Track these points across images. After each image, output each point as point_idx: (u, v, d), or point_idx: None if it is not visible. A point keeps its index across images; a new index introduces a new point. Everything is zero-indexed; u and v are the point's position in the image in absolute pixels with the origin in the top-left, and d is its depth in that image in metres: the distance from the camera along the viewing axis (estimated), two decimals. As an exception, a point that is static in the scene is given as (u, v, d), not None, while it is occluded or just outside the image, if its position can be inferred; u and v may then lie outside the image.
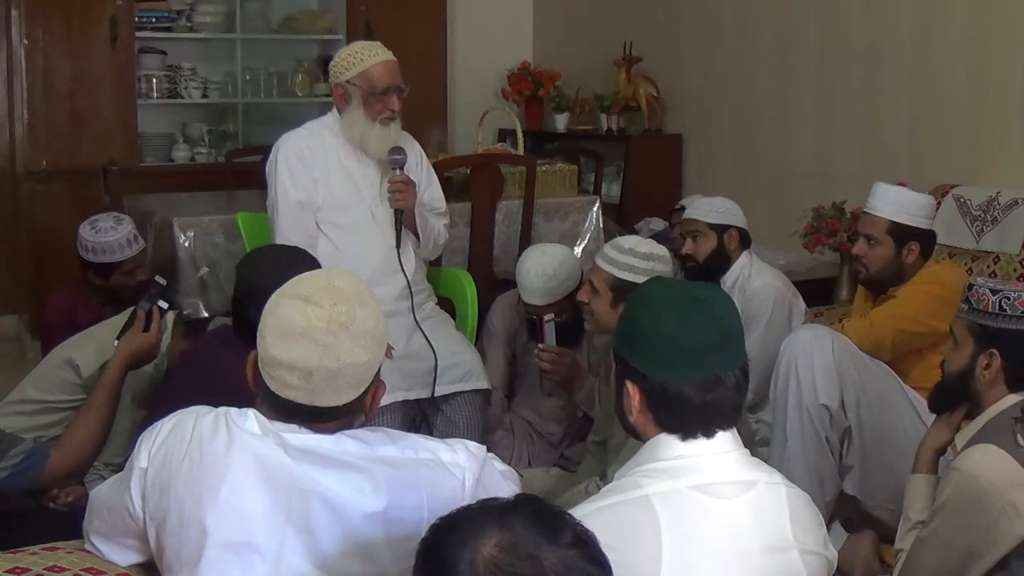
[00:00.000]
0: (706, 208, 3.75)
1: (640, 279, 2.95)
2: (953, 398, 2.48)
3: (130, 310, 2.80)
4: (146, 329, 2.70)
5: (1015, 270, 4.02)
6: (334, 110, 3.55)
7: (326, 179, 3.49)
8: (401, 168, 3.46)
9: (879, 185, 3.34)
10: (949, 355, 2.48)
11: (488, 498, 1.42)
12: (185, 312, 4.08)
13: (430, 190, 3.69)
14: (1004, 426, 2.27)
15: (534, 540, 1.32)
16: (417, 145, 3.70)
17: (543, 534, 1.33)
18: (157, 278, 3.01)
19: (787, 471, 2.84)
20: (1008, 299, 2.35)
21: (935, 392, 2.55)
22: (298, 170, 3.47)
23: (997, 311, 2.36)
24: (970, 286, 2.42)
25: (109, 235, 3.81)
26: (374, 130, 3.44)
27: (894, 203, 3.28)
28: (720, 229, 3.69)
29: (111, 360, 2.66)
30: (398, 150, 3.46)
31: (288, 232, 3.43)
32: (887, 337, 3.19)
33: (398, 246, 3.49)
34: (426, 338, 3.45)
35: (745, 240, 3.73)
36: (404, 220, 3.49)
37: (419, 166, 3.65)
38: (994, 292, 2.37)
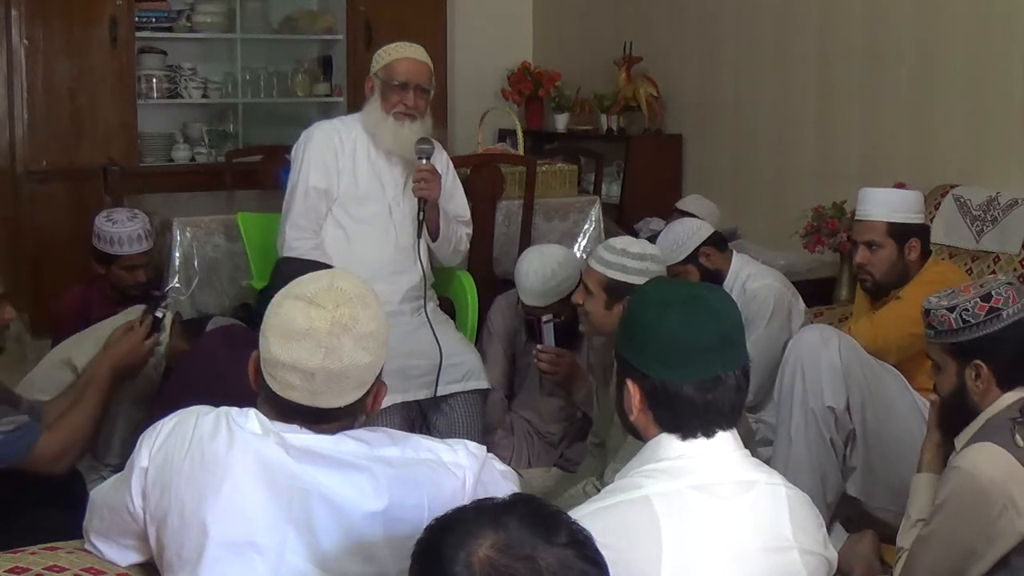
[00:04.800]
0: (669, 248, 3.63)
1: (634, 279, 2.95)
2: (960, 417, 2.47)
3: (134, 308, 2.80)
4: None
5: (1015, 270, 4.02)
6: (367, 105, 3.60)
7: (351, 170, 3.53)
8: (428, 158, 3.47)
9: (867, 191, 3.34)
10: (937, 379, 2.48)
11: (484, 498, 1.42)
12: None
13: (454, 200, 3.71)
14: (1003, 425, 2.27)
15: (530, 540, 1.32)
16: (445, 155, 3.73)
17: (539, 534, 1.33)
18: (156, 293, 3.02)
19: (791, 471, 2.85)
20: (967, 311, 2.35)
21: (941, 418, 2.52)
22: (325, 157, 3.51)
23: (961, 326, 2.36)
24: (927, 312, 2.41)
25: (118, 227, 3.85)
26: (386, 123, 3.48)
27: (886, 204, 3.27)
28: (692, 258, 3.63)
29: (100, 357, 2.67)
30: (426, 140, 3.48)
31: (298, 215, 3.49)
32: (893, 339, 3.18)
33: (419, 236, 3.50)
34: (434, 335, 3.46)
35: (721, 244, 3.70)
36: (428, 213, 3.49)
37: (445, 174, 3.66)
38: (951, 310, 2.37)
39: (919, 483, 2.51)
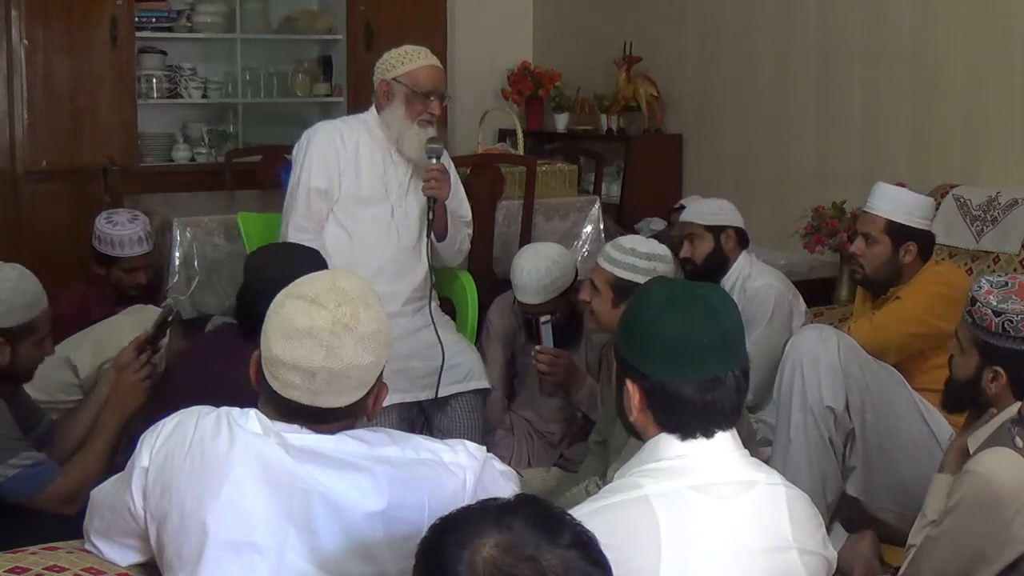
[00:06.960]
0: (702, 210, 3.73)
1: (642, 279, 2.96)
2: (964, 401, 2.47)
3: (134, 308, 2.80)
4: (153, 346, 2.71)
5: (1015, 270, 4.02)
6: (372, 108, 3.60)
7: (354, 171, 3.53)
8: (438, 158, 3.49)
9: (879, 184, 3.34)
10: (956, 359, 2.45)
11: (488, 498, 1.42)
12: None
13: (456, 200, 3.71)
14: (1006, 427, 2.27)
15: (533, 541, 1.32)
16: (448, 156, 3.74)
17: (543, 535, 1.33)
18: (163, 305, 3.04)
19: (790, 472, 2.84)
20: (1011, 322, 2.31)
21: (947, 392, 2.53)
22: (327, 158, 3.51)
23: (1000, 332, 2.33)
24: (973, 300, 2.37)
25: (119, 229, 3.85)
26: (412, 130, 3.49)
27: (893, 202, 3.28)
28: (716, 231, 3.66)
29: (105, 410, 2.67)
30: (435, 140, 3.50)
31: (301, 217, 3.50)
32: (893, 339, 3.18)
33: (428, 236, 3.51)
34: (438, 335, 3.46)
35: (743, 240, 3.72)
36: (435, 212, 3.50)
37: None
38: (997, 314, 2.33)
39: (938, 483, 2.48)
